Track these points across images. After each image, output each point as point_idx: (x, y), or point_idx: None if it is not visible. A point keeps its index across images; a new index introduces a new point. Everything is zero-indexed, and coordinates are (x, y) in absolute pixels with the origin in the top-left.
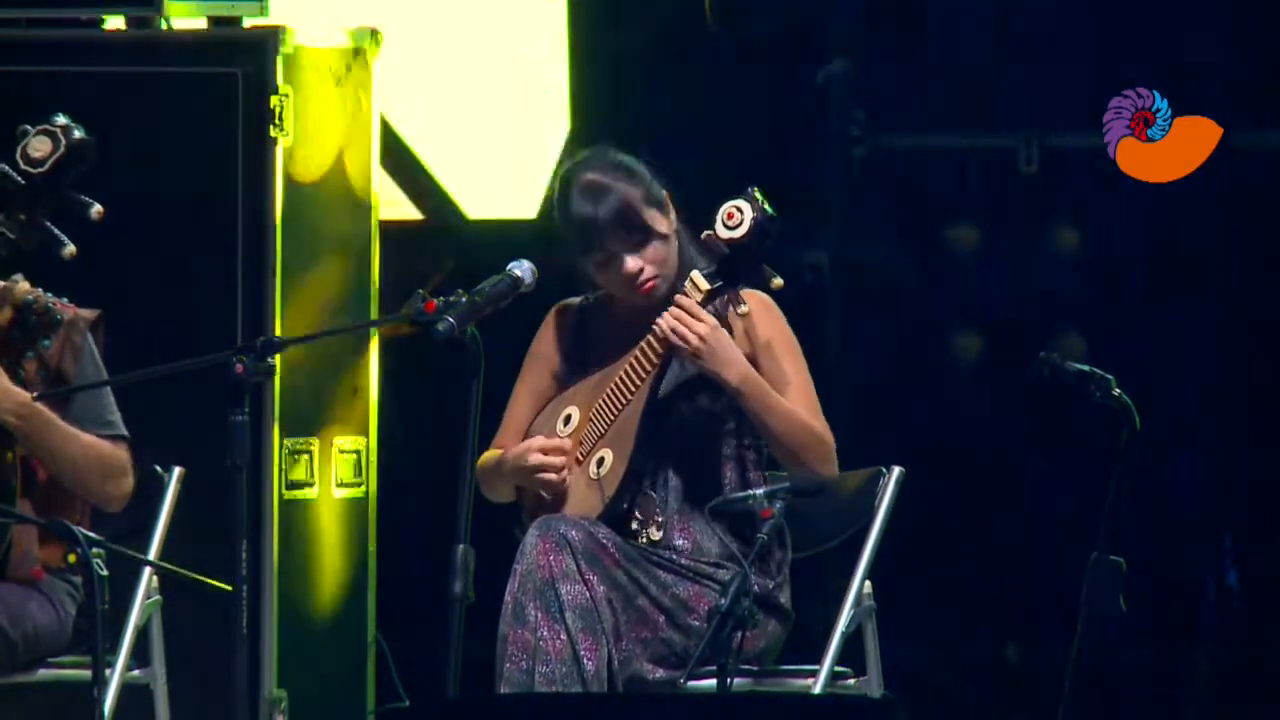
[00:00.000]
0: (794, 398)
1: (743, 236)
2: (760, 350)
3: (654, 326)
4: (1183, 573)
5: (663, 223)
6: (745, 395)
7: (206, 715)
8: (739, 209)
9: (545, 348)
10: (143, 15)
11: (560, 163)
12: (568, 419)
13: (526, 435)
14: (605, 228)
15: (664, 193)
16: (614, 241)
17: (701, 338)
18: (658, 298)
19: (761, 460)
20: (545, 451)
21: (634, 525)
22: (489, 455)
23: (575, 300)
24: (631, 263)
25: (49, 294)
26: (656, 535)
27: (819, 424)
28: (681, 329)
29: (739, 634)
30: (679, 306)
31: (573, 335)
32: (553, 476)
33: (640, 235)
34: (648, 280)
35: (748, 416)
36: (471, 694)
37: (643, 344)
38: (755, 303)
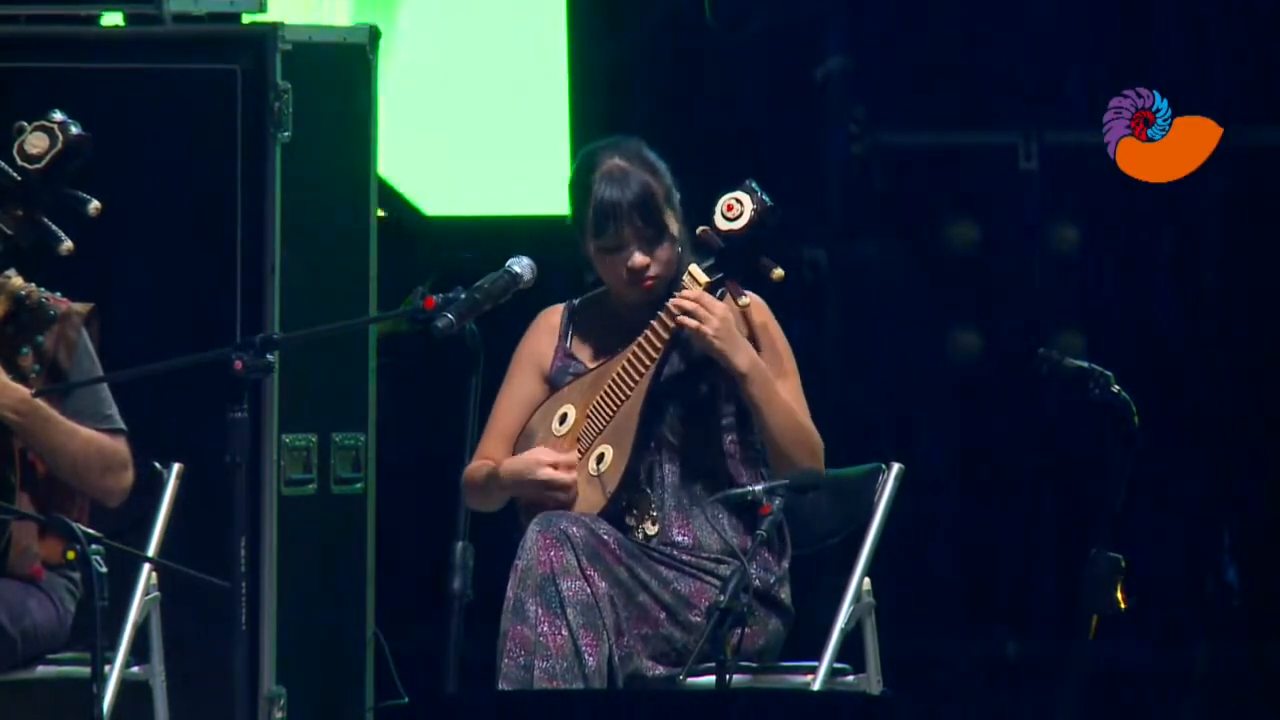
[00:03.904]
0: (786, 398)
1: (742, 228)
2: (759, 338)
3: (655, 321)
4: (1181, 569)
5: (675, 225)
6: (752, 381)
7: (205, 712)
8: (738, 200)
9: (533, 352)
10: (143, 12)
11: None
12: (564, 418)
13: (521, 436)
14: (626, 213)
15: (678, 196)
16: (630, 230)
17: (720, 320)
18: (653, 298)
19: (761, 456)
20: (555, 466)
21: (630, 520)
22: (477, 467)
23: (560, 305)
24: (640, 257)
25: (42, 289)
26: (652, 530)
27: (811, 427)
28: (701, 311)
29: (738, 630)
30: (686, 298)
31: (561, 338)
32: (562, 496)
33: (654, 230)
34: (650, 278)
35: (748, 405)
36: (470, 691)
37: (640, 340)
38: (752, 303)
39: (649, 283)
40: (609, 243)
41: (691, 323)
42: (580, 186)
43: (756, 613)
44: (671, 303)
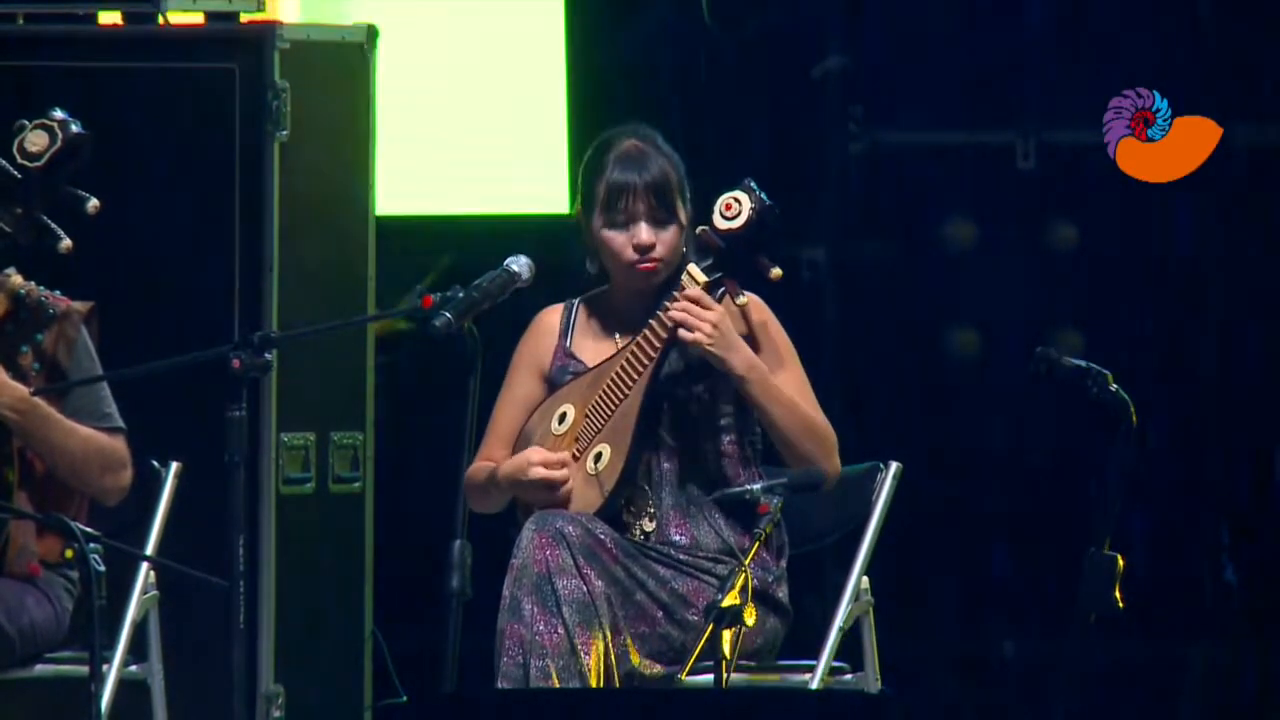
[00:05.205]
0: (792, 394)
1: (740, 227)
2: (758, 335)
3: (653, 320)
4: (1181, 569)
5: (683, 214)
6: (751, 382)
7: (204, 711)
8: (737, 199)
9: (533, 352)
10: (141, 11)
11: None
12: (563, 417)
13: (520, 435)
14: (639, 190)
15: (689, 192)
16: (643, 205)
17: (714, 326)
18: (654, 284)
19: (757, 455)
20: (546, 465)
21: (627, 519)
22: (478, 469)
23: (560, 304)
24: (647, 234)
25: (41, 287)
26: (649, 527)
27: (820, 417)
28: (691, 320)
29: (737, 629)
30: (686, 298)
31: (561, 338)
32: (556, 494)
33: (666, 212)
34: (653, 259)
35: (750, 406)
36: (469, 689)
37: (639, 339)
38: (750, 301)
39: (652, 264)
40: (619, 217)
41: (687, 334)
42: (594, 166)
43: (754, 612)
44: (664, 315)
